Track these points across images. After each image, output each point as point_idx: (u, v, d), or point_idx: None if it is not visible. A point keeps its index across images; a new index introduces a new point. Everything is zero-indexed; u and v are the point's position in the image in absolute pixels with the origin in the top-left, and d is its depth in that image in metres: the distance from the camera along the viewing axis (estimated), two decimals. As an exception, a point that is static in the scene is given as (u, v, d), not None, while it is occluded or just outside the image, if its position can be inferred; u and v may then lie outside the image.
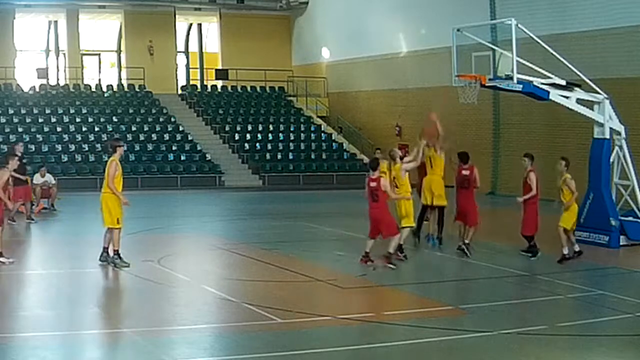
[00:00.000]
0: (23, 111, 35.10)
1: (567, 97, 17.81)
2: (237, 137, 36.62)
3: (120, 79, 40.95)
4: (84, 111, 36.05)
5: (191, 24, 44.03)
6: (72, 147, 33.22)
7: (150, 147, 34.48)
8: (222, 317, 11.71)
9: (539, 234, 15.81)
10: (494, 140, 30.79)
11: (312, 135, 37.88)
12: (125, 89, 39.32)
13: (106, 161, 15.00)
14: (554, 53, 17.87)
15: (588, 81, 18.09)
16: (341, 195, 29.90)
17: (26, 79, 37.93)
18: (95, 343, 10.29)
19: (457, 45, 18.15)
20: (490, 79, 17.44)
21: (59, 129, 34.32)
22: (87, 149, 33.21)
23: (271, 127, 37.77)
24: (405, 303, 12.59)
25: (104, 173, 14.84)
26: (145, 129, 35.72)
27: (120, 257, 14.52)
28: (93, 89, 38.75)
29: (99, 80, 40.95)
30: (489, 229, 18.33)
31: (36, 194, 22.68)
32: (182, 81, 42.11)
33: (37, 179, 23.33)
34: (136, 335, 10.34)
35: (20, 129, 33.44)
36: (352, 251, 16.85)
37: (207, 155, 34.58)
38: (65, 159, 32.37)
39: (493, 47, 18.82)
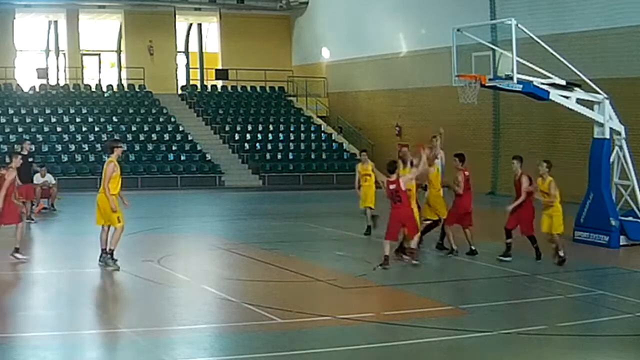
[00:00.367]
0: (23, 111, 35.10)
1: (567, 97, 17.81)
2: (237, 137, 36.62)
3: (120, 79, 40.95)
4: (84, 111, 36.05)
5: (191, 24, 44.03)
6: (72, 147, 33.22)
7: (150, 147, 34.48)
8: (222, 317, 11.71)
9: (535, 233, 15.79)
10: (494, 140, 30.79)
11: (312, 135, 37.88)
12: (125, 89, 39.32)
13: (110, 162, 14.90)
14: (554, 53, 17.88)
15: (588, 81, 18.09)
16: (341, 195, 29.85)
17: (26, 79, 37.92)
18: (95, 343, 10.30)
19: (457, 45, 18.15)
20: (490, 79, 17.44)
21: (59, 129, 34.32)
22: (87, 149, 33.22)
23: (271, 127, 37.78)
24: (405, 303, 12.58)
25: (98, 173, 14.83)
26: (145, 129, 35.72)
27: (113, 258, 14.48)
28: (93, 89, 38.75)
29: (99, 80, 40.95)
30: (489, 229, 18.33)
31: (36, 194, 22.68)
32: (182, 81, 42.11)
33: (37, 179, 23.32)
34: (136, 335, 10.34)
35: (20, 129, 33.43)
36: (352, 251, 16.88)
37: (207, 155, 34.58)
38: (65, 159, 32.38)
39: (493, 47, 18.82)
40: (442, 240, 16.62)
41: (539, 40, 17.78)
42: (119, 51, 41.63)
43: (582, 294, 13.06)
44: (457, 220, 16.13)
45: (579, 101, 17.91)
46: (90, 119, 35.55)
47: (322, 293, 13.46)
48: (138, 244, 17.82)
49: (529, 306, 12.30)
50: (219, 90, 41.31)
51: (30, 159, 21.85)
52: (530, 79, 17.42)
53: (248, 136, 36.87)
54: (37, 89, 37.26)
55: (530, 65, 17.50)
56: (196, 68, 43.98)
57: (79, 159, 32.60)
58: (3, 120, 34.06)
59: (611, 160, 17.98)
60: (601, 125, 17.81)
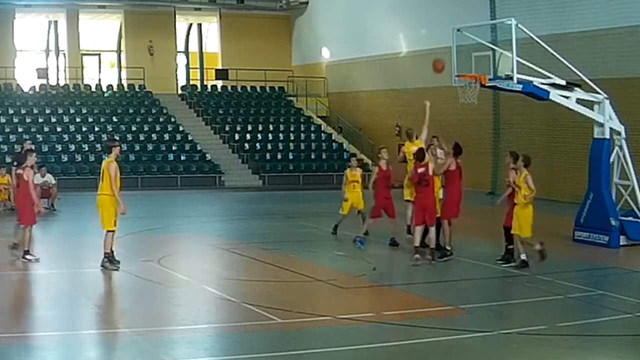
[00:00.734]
0: (23, 111, 35.11)
1: (567, 97, 17.81)
2: (237, 137, 36.62)
3: (120, 79, 40.96)
4: (84, 111, 36.06)
5: (191, 24, 44.04)
6: (72, 147, 33.22)
7: (150, 147, 34.48)
8: (222, 317, 11.71)
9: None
10: (494, 140, 30.79)
11: (312, 135, 37.89)
12: (125, 89, 39.33)
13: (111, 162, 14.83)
14: (554, 53, 17.87)
15: (588, 81, 18.09)
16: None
17: (26, 79, 37.93)
18: (95, 343, 10.30)
19: (457, 45, 18.15)
20: (490, 79, 17.44)
21: (59, 129, 34.33)
22: (87, 149, 33.22)
23: (271, 127, 37.78)
24: (405, 303, 12.58)
25: (98, 173, 14.79)
26: (145, 129, 35.72)
27: (110, 260, 14.48)
28: (93, 89, 38.75)
29: (99, 80, 40.95)
30: (489, 229, 18.33)
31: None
32: (182, 81, 42.12)
33: (37, 179, 23.28)
34: (136, 335, 10.34)
35: (20, 129, 33.44)
36: (352, 251, 16.87)
37: (207, 155, 34.59)
38: (65, 159, 32.37)
39: (493, 47, 18.82)
40: (438, 240, 16.69)
41: (539, 40, 17.78)
42: (119, 51, 41.64)
43: (582, 294, 13.06)
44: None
45: (579, 101, 17.91)
46: (90, 119, 35.55)
47: (322, 293, 13.46)
48: (138, 244, 17.84)
49: (529, 306, 12.29)
50: (219, 90, 41.31)
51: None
52: (530, 79, 17.42)
53: (248, 136, 36.88)
54: (37, 89, 37.26)
55: (530, 65, 17.50)
56: (196, 68, 43.99)
57: (79, 159, 32.60)
58: (3, 120, 34.07)
59: (611, 160, 17.98)
60: (601, 125, 17.81)
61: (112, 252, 14.51)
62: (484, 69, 17.58)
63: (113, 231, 14.47)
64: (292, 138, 37.33)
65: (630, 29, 24.65)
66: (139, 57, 39.80)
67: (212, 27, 43.76)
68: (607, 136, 17.77)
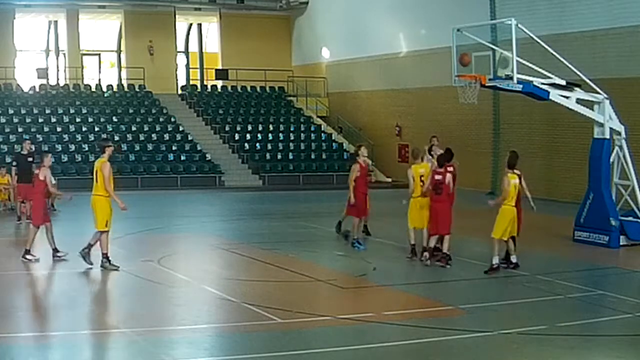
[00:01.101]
0: (23, 111, 35.09)
1: (567, 97, 17.81)
2: (237, 137, 36.61)
3: (120, 79, 40.95)
4: (84, 111, 36.04)
5: (191, 24, 44.04)
6: (72, 147, 33.21)
7: (150, 147, 34.47)
8: (222, 317, 11.72)
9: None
10: (494, 140, 30.79)
11: (312, 135, 37.87)
12: (125, 89, 39.31)
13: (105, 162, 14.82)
14: (554, 53, 17.88)
15: (588, 81, 18.09)
16: (341, 195, 29.73)
17: (26, 79, 37.90)
18: (95, 343, 10.30)
19: (457, 45, 18.15)
20: (490, 79, 17.44)
21: (59, 129, 34.31)
22: (87, 149, 33.18)
23: (271, 127, 37.77)
24: (405, 303, 12.59)
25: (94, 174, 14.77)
26: (145, 129, 35.72)
27: (109, 261, 14.47)
28: (93, 89, 38.73)
29: (99, 80, 40.94)
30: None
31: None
32: (182, 81, 42.10)
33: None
34: (136, 335, 10.35)
35: (20, 129, 33.42)
36: (352, 251, 16.87)
37: (207, 155, 34.58)
38: (65, 159, 32.35)
39: (493, 47, 18.82)
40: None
41: (539, 40, 17.78)
42: (119, 51, 41.62)
43: (582, 294, 13.06)
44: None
45: (579, 101, 17.91)
46: (90, 119, 35.54)
47: (322, 293, 13.47)
48: (138, 244, 17.86)
49: (529, 306, 12.29)
50: (219, 90, 41.30)
51: (30, 159, 21.86)
52: (530, 79, 17.42)
53: (248, 136, 36.87)
54: (37, 89, 37.24)
55: (530, 65, 17.50)
56: (196, 68, 43.98)
57: (79, 159, 32.58)
58: (3, 120, 34.06)
59: (611, 160, 17.98)
60: (601, 125, 17.81)
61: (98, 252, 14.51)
62: (484, 69, 17.59)
63: (107, 232, 14.45)
64: (292, 138, 37.32)
65: (630, 29, 24.65)
66: (139, 57, 39.79)
67: (212, 27, 43.75)
68: (607, 136, 17.78)
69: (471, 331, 10.54)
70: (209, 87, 41.84)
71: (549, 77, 17.63)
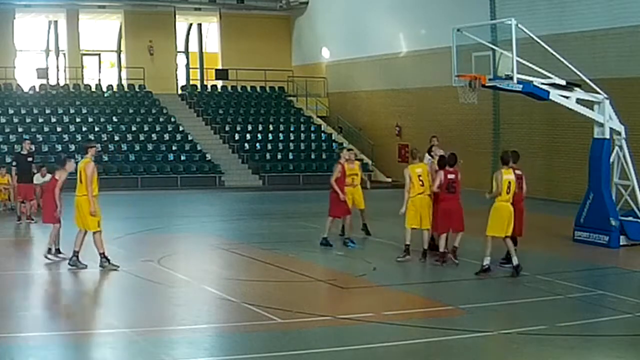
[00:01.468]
0: (23, 111, 35.09)
1: (567, 97, 17.81)
2: (237, 137, 36.62)
3: (120, 79, 40.95)
4: (84, 111, 36.04)
5: (191, 24, 44.03)
6: (72, 147, 33.18)
7: (150, 147, 34.46)
8: (222, 317, 11.72)
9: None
10: (494, 140, 30.79)
11: (312, 135, 37.87)
12: (125, 89, 39.31)
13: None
14: (554, 53, 17.88)
15: (588, 81, 18.09)
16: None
17: (26, 79, 37.90)
18: (95, 343, 10.30)
19: (457, 45, 18.15)
20: (490, 79, 17.44)
21: (59, 129, 34.31)
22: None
23: (271, 127, 37.77)
24: (405, 303, 12.58)
25: (98, 173, 14.75)
26: (145, 129, 35.71)
27: (108, 260, 14.42)
28: (93, 89, 38.73)
29: (99, 80, 40.93)
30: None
31: (36, 194, 22.67)
32: (182, 81, 42.10)
33: (38, 179, 23.30)
34: (136, 335, 10.35)
35: (20, 129, 33.42)
36: (352, 251, 16.88)
37: (207, 155, 34.58)
38: (66, 159, 32.32)
39: (493, 47, 18.82)
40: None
41: (539, 40, 17.78)
42: (119, 51, 41.62)
43: (582, 294, 13.06)
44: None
45: (579, 101, 17.91)
46: (90, 119, 35.53)
47: (322, 293, 13.47)
48: (138, 244, 17.86)
49: (529, 306, 12.30)
50: (219, 90, 41.30)
51: (30, 159, 21.87)
52: (530, 79, 17.42)
53: (248, 136, 36.87)
54: (37, 89, 37.24)
55: (530, 65, 17.50)
56: (196, 68, 43.98)
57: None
58: (3, 120, 34.05)
59: (611, 160, 17.98)
60: (601, 125, 17.81)
61: (76, 252, 14.47)
62: (484, 69, 17.58)
63: (99, 231, 14.43)
64: (292, 138, 37.32)
65: (630, 29, 24.64)
66: (139, 57, 39.79)
67: (212, 27, 43.75)
68: (607, 136, 17.77)
69: (471, 331, 10.54)
70: (209, 87, 41.85)
71: (549, 77, 17.63)
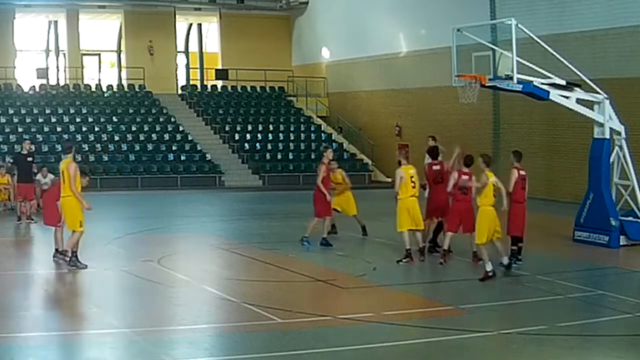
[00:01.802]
0: (23, 111, 35.10)
1: (567, 97, 17.81)
2: (237, 137, 36.62)
3: (120, 79, 40.95)
4: (84, 111, 36.05)
5: (191, 24, 44.02)
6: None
7: (150, 147, 34.47)
8: (222, 317, 11.72)
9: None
10: (494, 140, 30.79)
11: (312, 135, 37.87)
12: (125, 89, 39.31)
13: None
14: (554, 53, 17.88)
15: (588, 81, 18.09)
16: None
17: (26, 79, 37.91)
18: (95, 343, 10.29)
19: (457, 45, 18.15)
20: (490, 79, 17.44)
21: (59, 129, 34.31)
22: (87, 149, 33.18)
23: (271, 127, 37.77)
24: (405, 303, 12.58)
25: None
26: (145, 129, 35.72)
27: (77, 259, 14.40)
28: (93, 89, 38.73)
29: (99, 80, 40.93)
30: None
31: (36, 194, 22.67)
32: (182, 81, 42.10)
33: (40, 179, 23.31)
34: (136, 335, 10.35)
35: (20, 129, 33.43)
36: (352, 251, 16.88)
37: (207, 155, 34.58)
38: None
39: (493, 47, 18.82)
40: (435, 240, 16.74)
41: (539, 40, 17.78)
42: (119, 51, 41.62)
43: (582, 294, 13.06)
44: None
45: (579, 101, 17.91)
46: (90, 119, 35.54)
47: (322, 293, 13.46)
48: (138, 244, 17.86)
49: (529, 306, 12.30)
50: (219, 90, 41.30)
51: (30, 159, 21.87)
52: (530, 79, 17.42)
53: (248, 136, 36.87)
54: (37, 89, 37.25)
55: (530, 65, 17.50)
56: (196, 68, 43.97)
57: (79, 159, 32.53)
58: (3, 120, 34.06)
59: (611, 160, 17.98)
60: (601, 125, 17.81)
61: (74, 252, 14.42)
62: (484, 69, 17.58)
63: (81, 232, 14.40)
64: (292, 138, 37.32)
65: (630, 29, 24.64)
66: (139, 57, 39.78)
67: (212, 27, 43.73)
68: (607, 136, 17.77)
69: (471, 331, 10.54)
70: (209, 87, 41.84)
71: (549, 77, 17.63)
